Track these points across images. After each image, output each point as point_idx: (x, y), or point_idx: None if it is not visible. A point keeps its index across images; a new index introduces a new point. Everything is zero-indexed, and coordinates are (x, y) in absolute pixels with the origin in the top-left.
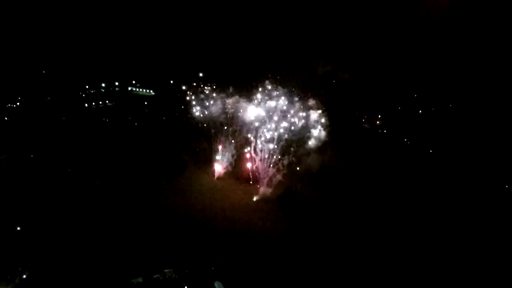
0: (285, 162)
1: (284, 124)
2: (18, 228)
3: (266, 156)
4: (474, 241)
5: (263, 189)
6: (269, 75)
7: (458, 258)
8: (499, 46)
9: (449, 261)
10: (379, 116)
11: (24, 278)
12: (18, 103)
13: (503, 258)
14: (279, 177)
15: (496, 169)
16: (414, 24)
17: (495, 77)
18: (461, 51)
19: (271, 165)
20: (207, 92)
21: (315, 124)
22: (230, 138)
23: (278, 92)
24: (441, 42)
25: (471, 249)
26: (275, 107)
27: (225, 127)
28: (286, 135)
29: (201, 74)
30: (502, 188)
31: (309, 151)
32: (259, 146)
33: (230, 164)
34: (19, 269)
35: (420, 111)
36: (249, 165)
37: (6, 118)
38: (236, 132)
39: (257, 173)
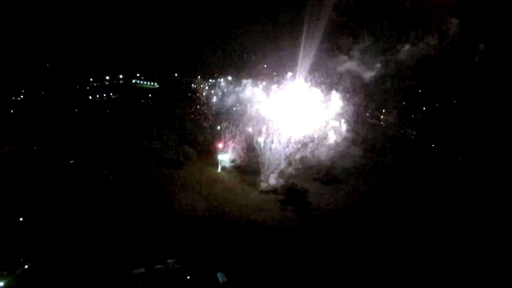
0: (298, 156)
1: (296, 116)
2: (21, 219)
3: (278, 149)
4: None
5: (272, 182)
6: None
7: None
8: (501, 43)
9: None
10: (383, 111)
11: (26, 269)
12: (22, 96)
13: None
14: (290, 170)
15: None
16: (417, 20)
17: (498, 75)
18: (465, 48)
19: (283, 158)
20: (213, 84)
21: (328, 119)
22: (240, 129)
23: (288, 84)
24: (445, 39)
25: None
26: (287, 99)
27: (234, 119)
28: (299, 129)
29: (207, 67)
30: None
31: (321, 145)
32: (270, 138)
33: (239, 156)
34: (21, 260)
35: (424, 108)
36: (258, 157)
37: (11, 111)
38: (246, 123)
39: (266, 166)
